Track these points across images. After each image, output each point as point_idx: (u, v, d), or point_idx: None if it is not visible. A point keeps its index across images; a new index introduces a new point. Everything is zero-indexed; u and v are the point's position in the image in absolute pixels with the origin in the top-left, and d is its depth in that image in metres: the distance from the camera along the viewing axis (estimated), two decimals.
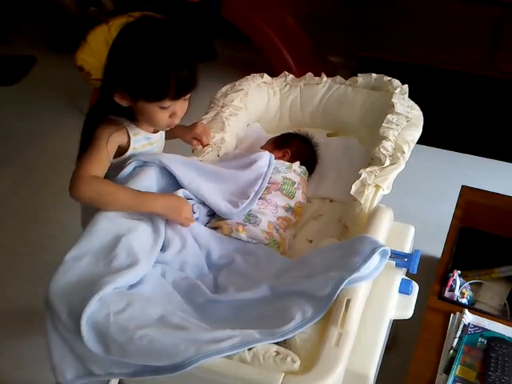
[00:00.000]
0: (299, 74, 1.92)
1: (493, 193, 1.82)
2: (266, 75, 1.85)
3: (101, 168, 1.23)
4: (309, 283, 1.09)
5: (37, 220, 2.41)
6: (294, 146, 1.67)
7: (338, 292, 1.03)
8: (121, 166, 1.30)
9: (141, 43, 1.17)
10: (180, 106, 1.25)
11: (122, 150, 1.31)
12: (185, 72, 1.19)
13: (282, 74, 1.89)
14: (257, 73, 1.85)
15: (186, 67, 1.20)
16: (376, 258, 1.10)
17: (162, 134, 1.44)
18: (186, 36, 1.21)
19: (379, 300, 1.13)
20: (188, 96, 1.26)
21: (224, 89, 1.75)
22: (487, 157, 2.64)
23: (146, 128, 1.34)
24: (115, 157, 1.30)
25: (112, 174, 1.28)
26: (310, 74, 1.86)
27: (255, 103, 1.79)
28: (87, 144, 1.24)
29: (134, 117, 1.28)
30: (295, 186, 1.53)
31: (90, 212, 1.23)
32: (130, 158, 1.31)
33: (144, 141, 1.34)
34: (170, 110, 1.23)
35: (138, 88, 1.19)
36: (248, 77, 1.82)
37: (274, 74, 1.91)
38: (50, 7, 3.55)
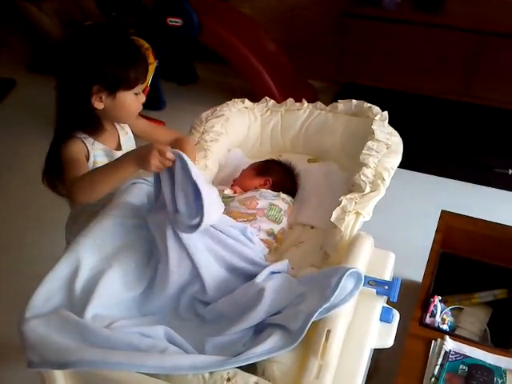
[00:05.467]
0: (281, 98, 1.93)
1: (472, 218, 1.84)
2: (246, 100, 1.85)
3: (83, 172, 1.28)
4: (281, 316, 1.09)
5: (12, 244, 2.36)
6: (275, 175, 1.68)
7: (309, 325, 1.02)
8: None
9: (108, 39, 1.28)
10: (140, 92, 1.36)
11: None
12: (145, 57, 1.34)
13: (263, 100, 1.90)
14: (238, 96, 1.86)
15: (143, 55, 1.33)
16: (349, 282, 1.10)
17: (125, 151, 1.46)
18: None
19: (360, 329, 1.12)
20: None
21: (204, 114, 1.75)
22: (466, 181, 2.68)
23: (109, 142, 1.40)
24: None
25: None
26: (290, 100, 1.87)
27: (236, 128, 1.79)
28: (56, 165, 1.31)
29: (96, 126, 1.33)
30: (281, 212, 1.54)
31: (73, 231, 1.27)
32: None
33: (104, 157, 1.38)
34: (139, 95, 1.34)
35: (121, 79, 1.26)
36: (229, 102, 1.82)
37: (255, 97, 1.92)
38: (32, 32, 3.55)
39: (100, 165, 1.34)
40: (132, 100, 1.32)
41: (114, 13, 3.46)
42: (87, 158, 1.34)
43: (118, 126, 1.45)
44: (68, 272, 1.10)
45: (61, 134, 1.32)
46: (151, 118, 3.02)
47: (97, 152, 1.35)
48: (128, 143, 1.47)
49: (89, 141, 1.34)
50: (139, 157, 1.13)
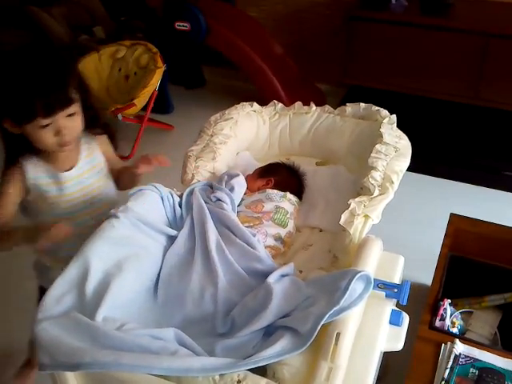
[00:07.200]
0: (288, 101, 1.93)
1: (481, 221, 1.83)
2: (255, 104, 1.86)
3: (4, 212, 1.31)
4: (290, 319, 1.09)
5: (21, 248, 2.37)
6: (278, 175, 1.68)
7: (319, 328, 1.02)
8: (30, 206, 1.36)
9: (8, 70, 1.20)
10: (63, 123, 1.24)
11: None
12: (51, 90, 1.20)
13: (272, 103, 1.90)
14: (246, 100, 1.86)
15: (52, 86, 1.20)
16: (359, 285, 1.10)
17: (78, 173, 1.38)
18: (56, 59, 1.25)
19: (369, 332, 1.12)
20: (71, 112, 1.25)
21: (213, 117, 1.76)
22: (475, 184, 2.67)
23: (61, 163, 1.35)
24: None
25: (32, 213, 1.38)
26: (299, 103, 1.87)
27: (245, 132, 1.80)
28: None
29: (33, 151, 1.30)
30: (288, 215, 1.54)
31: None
32: (34, 197, 1.34)
33: (48, 178, 1.33)
34: (52, 127, 1.23)
35: (13, 112, 1.21)
36: (237, 105, 1.83)
37: (263, 101, 1.92)
38: (41, 37, 3.57)
39: (44, 186, 1.33)
40: (38, 133, 1.22)
41: (122, 17, 3.50)
42: (23, 184, 1.31)
43: (84, 146, 1.39)
44: (79, 274, 1.11)
45: (9, 158, 1.31)
46: (160, 122, 3.03)
47: (39, 174, 1.32)
48: (87, 166, 1.39)
49: (31, 162, 1.31)
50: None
